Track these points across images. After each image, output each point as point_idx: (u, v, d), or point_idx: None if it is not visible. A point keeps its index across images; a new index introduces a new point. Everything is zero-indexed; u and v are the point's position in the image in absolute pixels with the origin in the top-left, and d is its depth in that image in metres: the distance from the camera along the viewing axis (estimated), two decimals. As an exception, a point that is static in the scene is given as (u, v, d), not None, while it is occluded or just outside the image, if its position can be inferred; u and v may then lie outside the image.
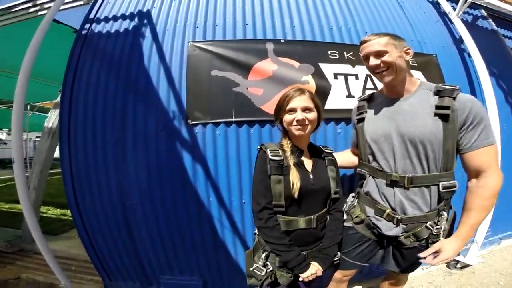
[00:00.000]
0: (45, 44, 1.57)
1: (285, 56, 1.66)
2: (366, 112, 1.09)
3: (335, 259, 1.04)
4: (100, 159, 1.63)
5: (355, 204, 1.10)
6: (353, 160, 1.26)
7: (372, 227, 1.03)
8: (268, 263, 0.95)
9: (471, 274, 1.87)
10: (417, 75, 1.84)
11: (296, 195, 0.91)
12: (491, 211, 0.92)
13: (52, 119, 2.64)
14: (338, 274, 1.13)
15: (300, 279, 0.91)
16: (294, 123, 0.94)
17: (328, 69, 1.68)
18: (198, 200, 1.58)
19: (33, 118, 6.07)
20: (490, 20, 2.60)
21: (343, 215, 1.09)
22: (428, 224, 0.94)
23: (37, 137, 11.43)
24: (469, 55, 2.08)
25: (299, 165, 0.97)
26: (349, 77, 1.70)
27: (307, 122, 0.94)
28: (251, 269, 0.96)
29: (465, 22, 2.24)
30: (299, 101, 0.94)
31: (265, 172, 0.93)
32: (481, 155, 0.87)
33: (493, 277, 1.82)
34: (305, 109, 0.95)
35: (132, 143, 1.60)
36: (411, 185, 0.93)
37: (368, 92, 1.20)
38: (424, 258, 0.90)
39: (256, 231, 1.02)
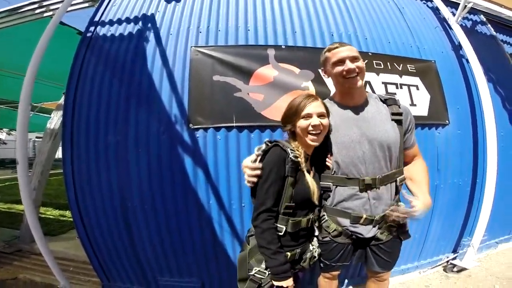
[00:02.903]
0: (48, 45, 1.56)
1: (286, 62, 1.68)
2: None
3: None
4: (102, 161, 1.64)
5: (326, 218, 1.09)
6: None
7: (351, 234, 1.07)
8: None
9: (468, 277, 1.89)
10: (416, 81, 1.87)
11: (316, 201, 0.97)
12: None
13: (54, 120, 2.64)
14: (328, 274, 1.17)
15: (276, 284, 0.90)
16: (310, 128, 0.93)
17: (328, 75, 1.70)
18: (198, 203, 1.59)
19: (34, 118, 6.10)
20: (489, 25, 2.60)
21: None
22: (394, 215, 1.04)
23: (37, 137, 11.40)
24: (467, 61, 2.10)
25: (309, 173, 0.99)
26: (348, 83, 1.71)
27: (321, 128, 0.94)
28: (251, 273, 0.94)
29: (464, 27, 2.24)
30: (315, 107, 0.95)
31: (281, 172, 0.92)
32: (416, 148, 1.16)
33: (489, 280, 1.84)
34: (320, 115, 0.95)
35: (134, 146, 1.62)
36: (380, 185, 1.03)
37: None
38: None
39: (250, 233, 1.01)
